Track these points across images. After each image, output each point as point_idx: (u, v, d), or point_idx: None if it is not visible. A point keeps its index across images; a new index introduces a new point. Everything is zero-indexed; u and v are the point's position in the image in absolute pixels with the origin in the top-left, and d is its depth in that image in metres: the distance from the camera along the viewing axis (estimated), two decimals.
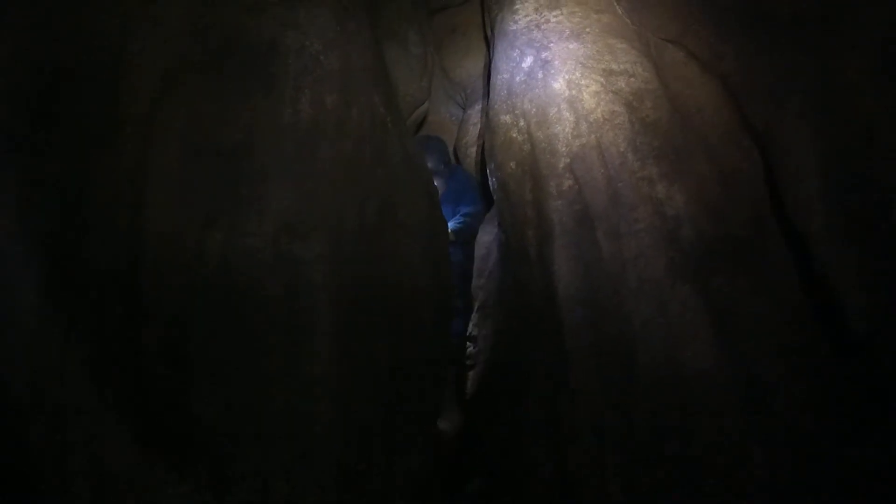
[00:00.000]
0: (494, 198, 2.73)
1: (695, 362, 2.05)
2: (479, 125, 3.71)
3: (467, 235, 3.41)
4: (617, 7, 2.73)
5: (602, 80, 2.43)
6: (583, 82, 2.43)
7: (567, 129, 2.39)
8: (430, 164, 3.42)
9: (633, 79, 2.45)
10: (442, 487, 2.51)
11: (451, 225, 3.39)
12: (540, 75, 2.51)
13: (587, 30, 2.63)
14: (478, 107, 3.74)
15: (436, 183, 3.35)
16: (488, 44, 3.31)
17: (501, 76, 2.71)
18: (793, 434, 1.94)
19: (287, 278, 2.03)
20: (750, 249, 2.18)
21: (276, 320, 1.99)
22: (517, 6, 2.82)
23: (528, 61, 2.59)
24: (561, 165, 2.37)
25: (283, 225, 2.05)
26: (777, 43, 2.31)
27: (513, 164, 2.55)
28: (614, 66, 2.48)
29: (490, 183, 2.76)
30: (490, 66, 2.94)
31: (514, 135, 2.55)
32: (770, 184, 2.25)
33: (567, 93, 2.42)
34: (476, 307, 3.03)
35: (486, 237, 3.15)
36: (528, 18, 2.73)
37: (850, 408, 1.97)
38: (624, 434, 2.10)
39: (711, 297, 2.11)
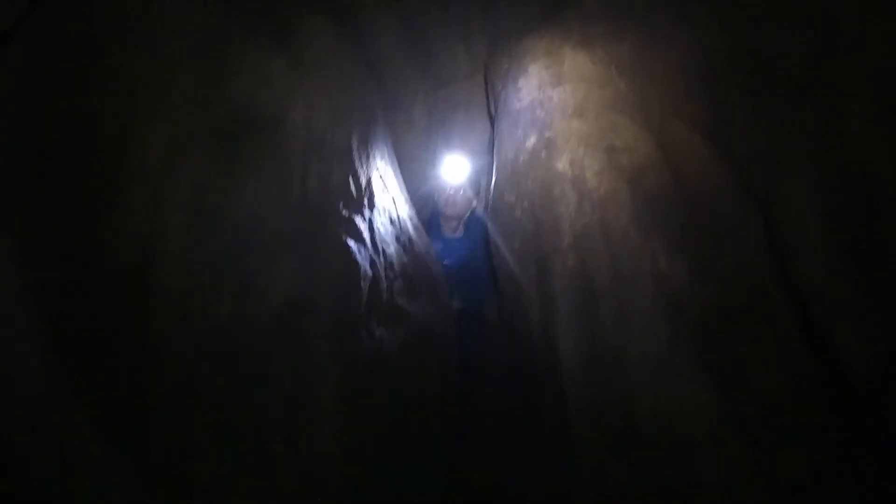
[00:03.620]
0: (497, 277, 2.72)
1: (697, 430, 2.05)
2: (482, 202, 3.80)
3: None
4: (619, 82, 2.78)
5: (605, 157, 2.46)
6: (586, 161, 2.46)
7: (571, 209, 2.41)
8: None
9: (635, 154, 2.48)
10: None
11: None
12: (543, 155, 2.55)
13: (590, 106, 2.68)
14: (483, 182, 3.81)
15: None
16: (492, 120, 3.37)
17: (505, 155, 2.75)
18: (800, 494, 1.92)
19: (292, 352, 2.02)
20: (751, 315, 2.18)
21: (279, 393, 1.98)
22: (520, 84, 2.88)
23: (531, 141, 2.63)
24: (565, 245, 2.38)
25: (289, 299, 2.04)
26: (776, 104, 2.35)
27: (517, 244, 2.56)
28: (617, 143, 2.51)
29: (494, 262, 2.77)
30: (494, 144, 2.98)
31: (519, 215, 2.57)
32: (772, 246, 2.27)
33: (570, 173, 2.45)
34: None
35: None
36: (531, 97, 2.79)
37: (855, 464, 1.95)
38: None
39: (713, 364, 2.11)
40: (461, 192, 3.77)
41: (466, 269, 3.57)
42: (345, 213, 2.31)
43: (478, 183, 3.88)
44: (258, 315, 1.99)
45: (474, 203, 3.85)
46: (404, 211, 2.88)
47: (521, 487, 2.52)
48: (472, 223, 3.86)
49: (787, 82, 2.33)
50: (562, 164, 2.49)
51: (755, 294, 2.21)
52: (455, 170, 3.73)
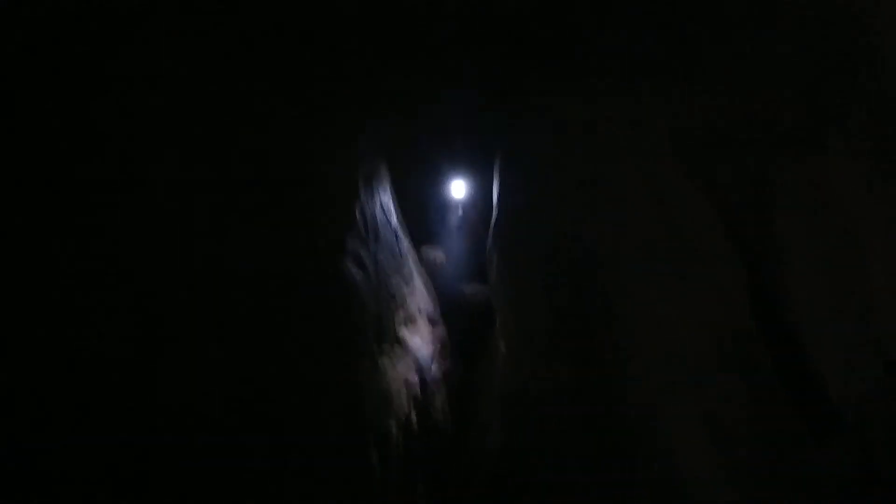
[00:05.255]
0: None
1: (691, 471, 2.18)
2: None
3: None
4: None
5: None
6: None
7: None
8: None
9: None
10: None
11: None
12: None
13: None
14: None
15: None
16: None
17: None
18: None
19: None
20: (742, 357, 2.33)
21: None
22: None
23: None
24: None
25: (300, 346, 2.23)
26: (767, 156, 2.55)
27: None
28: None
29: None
30: None
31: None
32: (761, 291, 2.46)
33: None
34: None
35: None
36: None
37: (842, 493, 2.11)
38: None
39: (706, 407, 2.27)
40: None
41: None
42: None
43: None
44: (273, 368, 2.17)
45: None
46: (404, 244, 3.05)
47: None
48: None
49: (778, 141, 2.55)
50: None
51: (746, 336, 2.39)
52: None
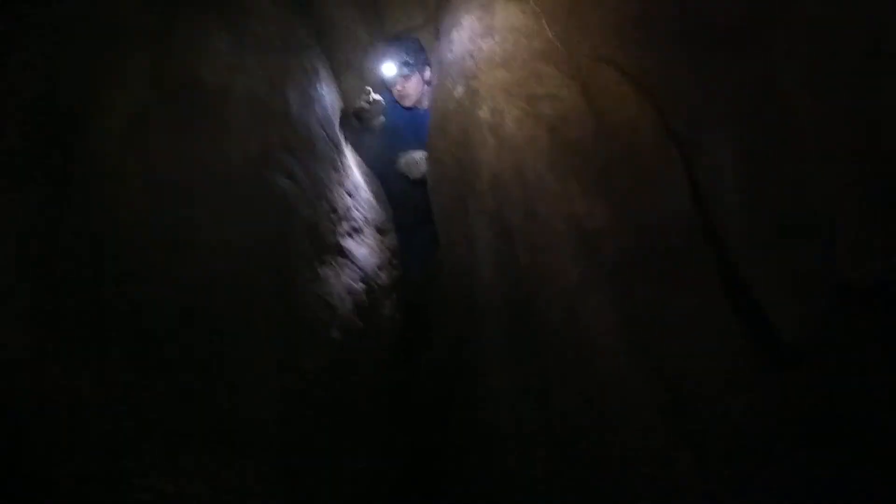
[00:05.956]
0: (435, 217, 2.91)
1: (608, 371, 2.20)
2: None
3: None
4: (548, 31, 2.93)
5: (525, 105, 2.62)
6: (506, 109, 2.62)
7: (489, 155, 2.59)
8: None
9: (557, 102, 2.62)
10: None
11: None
12: (467, 104, 2.72)
13: (516, 56, 2.83)
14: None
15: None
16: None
17: (438, 104, 2.93)
18: (722, 440, 2.03)
19: (241, 304, 2.24)
20: (670, 262, 2.29)
21: (229, 345, 2.19)
22: (453, 36, 3.04)
23: (458, 90, 2.79)
24: (484, 187, 2.57)
25: (235, 257, 2.26)
26: (706, 54, 2.43)
27: (445, 188, 2.76)
28: (539, 91, 2.66)
29: (432, 204, 2.94)
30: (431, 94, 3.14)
31: (447, 160, 2.76)
32: (695, 197, 2.37)
33: (491, 120, 2.62)
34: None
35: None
36: (463, 48, 2.94)
37: (787, 415, 2.02)
38: (544, 433, 2.28)
39: (627, 306, 2.25)
40: (410, 81, 3.84)
41: None
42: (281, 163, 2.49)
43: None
44: (211, 271, 2.20)
45: (426, 81, 3.90)
46: (347, 159, 3.08)
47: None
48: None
49: (720, 38, 2.40)
50: (483, 112, 2.65)
51: (675, 242, 2.31)
52: (394, 64, 3.77)
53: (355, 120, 3.76)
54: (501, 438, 2.36)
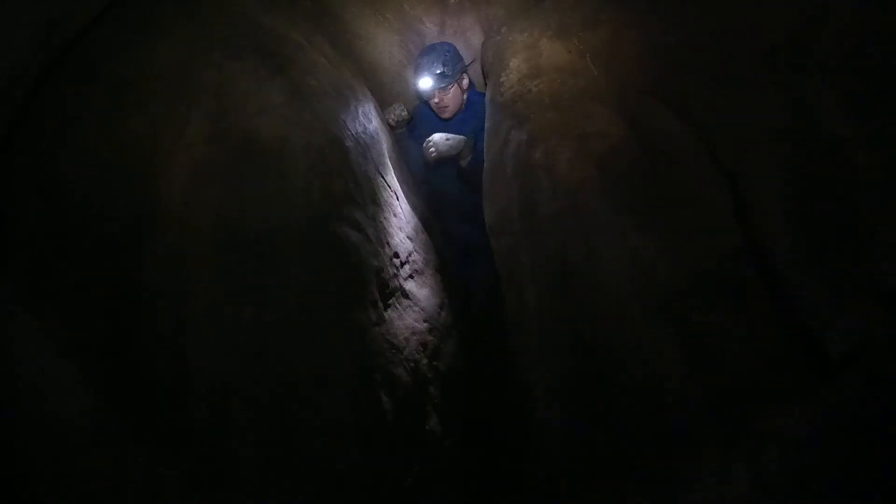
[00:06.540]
0: (496, 259, 2.97)
1: (673, 399, 2.26)
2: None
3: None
4: (593, 69, 3.02)
5: (576, 144, 2.71)
6: (558, 150, 2.71)
7: (545, 195, 2.67)
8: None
9: (606, 139, 2.71)
10: None
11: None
12: (523, 147, 2.81)
13: (563, 95, 2.93)
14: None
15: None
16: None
17: (492, 147, 3.02)
18: (777, 453, 2.07)
19: (309, 345, 2.32)
20: (723, 288, 2.35)
21: (304, 380, 2.27)
22: (502, 79, 3.14)
23: (513, 133, 2.89)
24: (543, 228, 2.65)
25: (302, 300, 2.36)
26: (742, 80, 2.54)
27: (504, 228, 2.83)
28: (588, 129, 2.75)
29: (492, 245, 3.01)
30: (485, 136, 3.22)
31: (504, 203, 2.84)
32: (742, 220, 2.45)
33: (545, 162, 2.71)
34: None
35: None
36: (513, 91, 3.05)
37: (837, 425, 2.06)
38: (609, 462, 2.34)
39: (687, 333, 2.31)
40: (448, 92, 3.83)
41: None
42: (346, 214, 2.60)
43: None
44: (277, 319, 2.30)
45: (464, 89, 3.91)
46: (405, 203, 3.18)
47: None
48: (473, 98, 3.93)
49: (755, 63, 2.51)
50: (537, 155, 2.74)
51: (726, 268, 2.38)
52: (430, 78, 3.75)
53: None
54: (565, 474, 2.42)
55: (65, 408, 2.06)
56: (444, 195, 3.92)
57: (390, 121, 3.86)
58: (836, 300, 2.17)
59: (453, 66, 3.74)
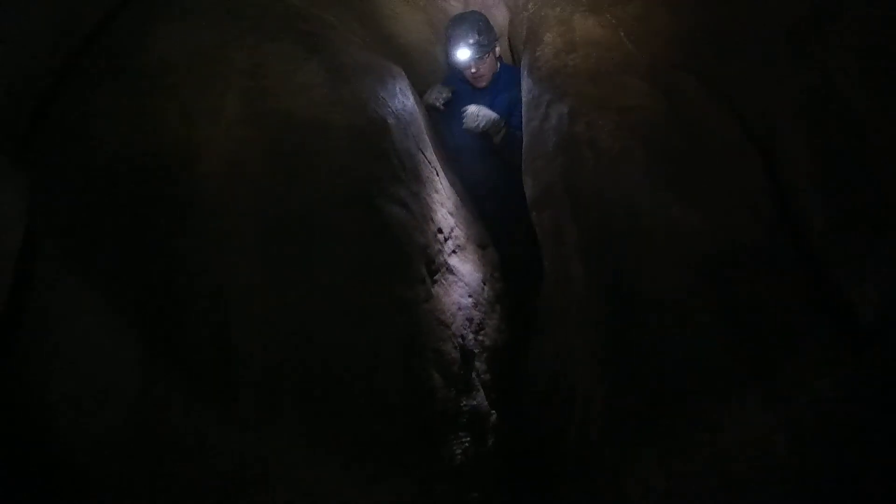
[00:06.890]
0: (539, 238, 3.01)
1: (716, 371, 2.26)
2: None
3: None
4: (627, 43, 3.04)
5: (617, 117, 2.74)
6: (599, 123, 2.75)
7: (588, 168, 2.71)
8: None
9: (645, 112, 2.75)
10: None
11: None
12: (564, 120, 2.84)
13: (601, 70, 2.95)
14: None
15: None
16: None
17: (531, 122, 3.05)
18: (815, 422, 2.07)
19: (357, 330, 2.32)
20: (763, 255, 2.40)
21: (358, 366, 2.26)
22: (538, 53, 3.17)
23: (553, 108, 2.92)
24: (587, 201, 2.68)
25: (350, 280, 2.38)
26: (773, 55, 2.57)
27: (546, 203, 2.87)
28: (628, 102, 2.79)
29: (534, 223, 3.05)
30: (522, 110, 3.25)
31: (545, 177, 2.88)
32: (775, 191, 2.52)
33: (587, 135, 2.74)
34: None
35: None
36: (550, 66, 3.07)
37: (869, 394, 2.05)
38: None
39: (729, 305, 2.34)
40: (484, 62, 3.80)
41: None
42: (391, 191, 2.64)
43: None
44: (319, 300, 2.31)
45: (497, 58, 3.91)
46: (445, 179, 3.23)
47: None
48: (504, 72, 3.93)
49: (785, 39, 2.53)
50: (580, 127, 2.78)
51: (766, 235, 2.43)
52: (467, 49, 3.73)
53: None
54: (609, 442, 2.47)
55: (110, 370, 2.06)
56: (476, 170, 3.95)
57: (436, 102, 3.91)
58: (867, 272, 2.17)
59: (488, 35, 3.72)
